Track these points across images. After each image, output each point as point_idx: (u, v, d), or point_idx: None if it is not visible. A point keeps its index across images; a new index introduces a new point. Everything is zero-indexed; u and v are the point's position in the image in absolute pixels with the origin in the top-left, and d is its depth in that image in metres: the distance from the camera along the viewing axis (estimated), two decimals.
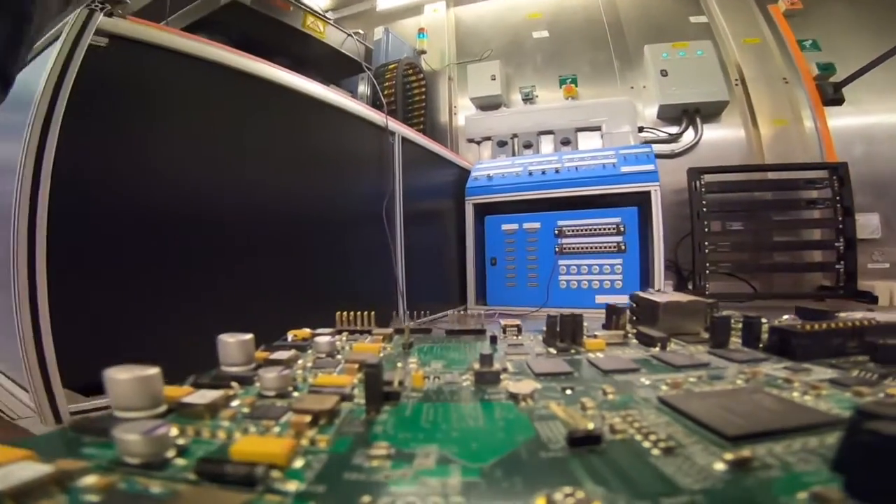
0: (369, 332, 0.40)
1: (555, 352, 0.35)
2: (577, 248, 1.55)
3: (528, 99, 2.22)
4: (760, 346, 0.34)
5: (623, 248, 1.50)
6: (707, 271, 1.61)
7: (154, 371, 0.22)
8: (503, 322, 0.41)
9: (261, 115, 0.95)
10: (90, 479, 0.15)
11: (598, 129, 1.95)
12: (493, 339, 0.39)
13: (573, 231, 1.56)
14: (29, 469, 0.14)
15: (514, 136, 2.09)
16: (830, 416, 0.19)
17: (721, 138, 1.93)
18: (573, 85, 2.14)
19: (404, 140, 1.37)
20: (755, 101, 1.87)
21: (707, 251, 1.61)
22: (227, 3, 1.17)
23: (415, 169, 1.42)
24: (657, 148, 1.73)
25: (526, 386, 0.25)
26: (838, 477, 0.14)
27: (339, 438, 0.19)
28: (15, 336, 0.60)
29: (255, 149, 0.94)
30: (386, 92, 1.98)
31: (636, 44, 2.08)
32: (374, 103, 1.59)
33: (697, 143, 1.92)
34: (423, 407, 0.23)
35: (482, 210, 1.73)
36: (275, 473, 0.16)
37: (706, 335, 0.39)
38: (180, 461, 0.17)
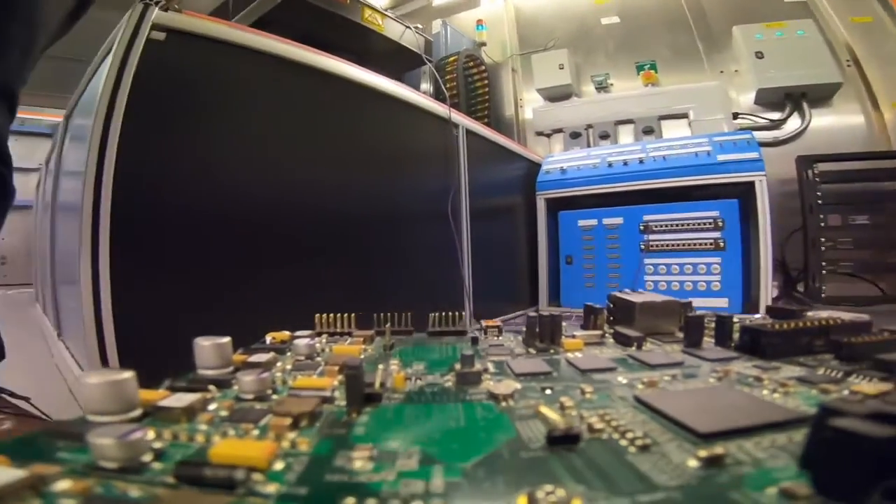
0: (349, 334, 0.40)
1: (534, 352, 0.35)
2: (667, 246, 1.40)
3: (602, 87, 2.09)
4: (732, 344, 0.35)
5: (722, 245, 1.34)
6: (823, 271, 1.42)
7: (128, 375, 0.21)
8: (484, 323, 0.42)
9: (321, 109, 0.93)
10: (66, 484, 0.15)
11: (684, 116, 1.81)
12: (475, 340, 0.39)
13: (662, 226, 1.41)
14: (2, 474, 0.14)
15: (589, 126, 1.96)
16: (798, 413, 0.20)
17: (834, 124, 1.74)
18: (652, 71, 1.99)
19: (469, 133, 1.30)
20: (874, 83, 1.70)
21: (823, 248, 1.41)
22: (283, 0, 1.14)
23: (481, 163, 1.35)
24: (757, 136, 1.53)
25: (506, 386, 0.25)
26: (806, 472, 0.14)
27: (321, 440, 0.19)
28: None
29: (315, 143, 0.91)
30: (448, 85, 1.90)
31: (721, 25, 1.93)
32: (437, 97, 1.52)
33: (805, 129, 1.74)
34: (405, 408, 0.23)
35: (555, 205, 1.60)
36: (255, 476, 0.16)
37: (681, 334, 0.40)
38: (157, 465, 0.17)
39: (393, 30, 1.42)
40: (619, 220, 1.47)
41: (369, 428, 0.20)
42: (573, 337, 0.38)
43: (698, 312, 0.43)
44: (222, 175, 0.78)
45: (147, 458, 0.17)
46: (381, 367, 0.29)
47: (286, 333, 0.38)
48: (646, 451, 0.17)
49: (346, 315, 0.41)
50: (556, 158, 1.70)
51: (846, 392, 0.24)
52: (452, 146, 1.24)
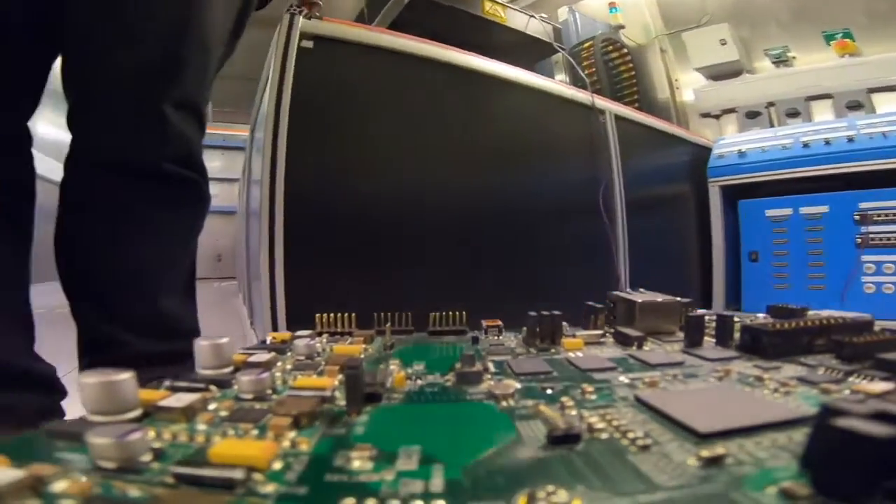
0: (350, 334, 0.40)
1: (535, 351, 0.35)
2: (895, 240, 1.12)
3: (782, 61, 1.86)
4: (733, 344, 0.35)
5: None
6: None
7: (127, 375, 0.21)
8: (485, 322, 0.42)
9: (458, 104, 0.94)
10: (65, 484, 0.15)
11: None
12: (475, 339, 0.39)
13: (887, 216, 1.15)
14: (1, 474, 0.14)
15: (770, 104, 1.76)
16: (799, 412, 0.20)
17: None
18: (848, 40, 1.72)
19: (618, 119, 1.20)
20: None
21: None
22: (410, 1, 1.14)
23: (635, 150, 1.24)
24: None
25: (507, 386, 0.25)
26: (806, 472, 0.14)
27: (321, 440, 0.19)
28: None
29: (453, 139, 0.92)
30: (586, 72, 1.75)
31: None
32: (575, 85, 1.40)
33: None
34: (405, 408, 0.23)
35: (733, 193, 1.39)
36: (255, 476, 0.16)
37: (681, 334, 0.40)
38: (157, 465, 0.17)
39: (516, 20, 1.34)
40: (822, 209, 1.23)
41: (369, 427, 0.20)
42: (573, 336, 0.38)
43: (699, 312, 0.43)
44: (376, 173, 0.82)
45: (146, 458, 0.17)
46: (381, 366, 0.29)
47: (287, 333, 0.38)
48: (646, 451, 0.17)
49: (346, 315, 0.41)
50: (731, 141, 1.49)
51: (847, 392, 0.24)
52: (599, 134, 1.15)
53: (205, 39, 0.65)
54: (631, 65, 1.92)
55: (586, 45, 1.86)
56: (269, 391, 0.25)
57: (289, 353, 0.34)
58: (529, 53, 1.46)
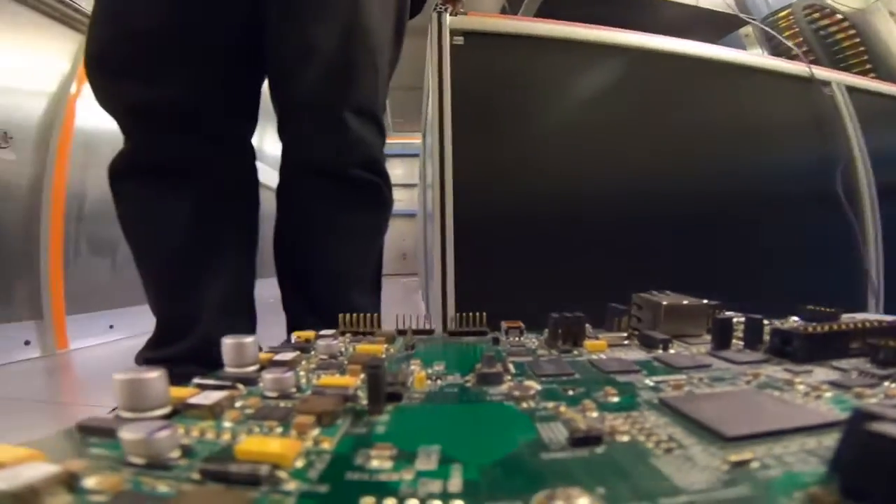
0: (372, 334, 0.41)
1: (557, 353, 0.35)
2: None
3: None
4: (762, 347, 0.35)
5: None
6: None
7: (156, 373, 0.22)
8: (505, 324, 0.42)
9: (632, 88, 0.89)
10: (96, 480, 0.15)
11: None
12: (496, 341, 0.39)
13: None
14: (36, 469, 0.15)
15: None
16: (830, 417, 0.19)
17: None
18: None
19: (851, 90, 1.03)
20: None
21: None
22: None
23: (880, 126, 1.05)
24: None
25: (527, 387, 0.25)
26: (836, 477, 0.14)
27: (342, 439, 0.19)
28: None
29: (630, 127, 0.87)
30: (792, 42, 1.56)
31: None
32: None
33: None
34: (426, 407, 0.23)
35: None
36: (279, 473, 0.16)
37: (708, 337, 0.39)
38: (185, 461, 0.17)
39: None
40: None
41: (390, 427, 0.21)
42: (596, 338, 0.38)
43: (726, 314, 0.42)
44: (545, 166, 0.82)
45: (175, 454, 0.18)
46: (402, 366, 0.30)
47: (311, 332, 0.39)
48: (670, 454, 0.17)
49: (369, 315, 0.41)
50: None
51: (882, 396, 0.23)
52: (825, 109, 1.00)
53: (370, 46, 0.71)
54: (852, 31, 1.68)
55: (782, 14, 1.66)
56: (294, 389, 0.25)
57: (313, 353, 0.34)
58: (707, 31, 1.30)
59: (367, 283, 0.80)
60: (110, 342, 1.48)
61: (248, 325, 0.77)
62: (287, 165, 0.77)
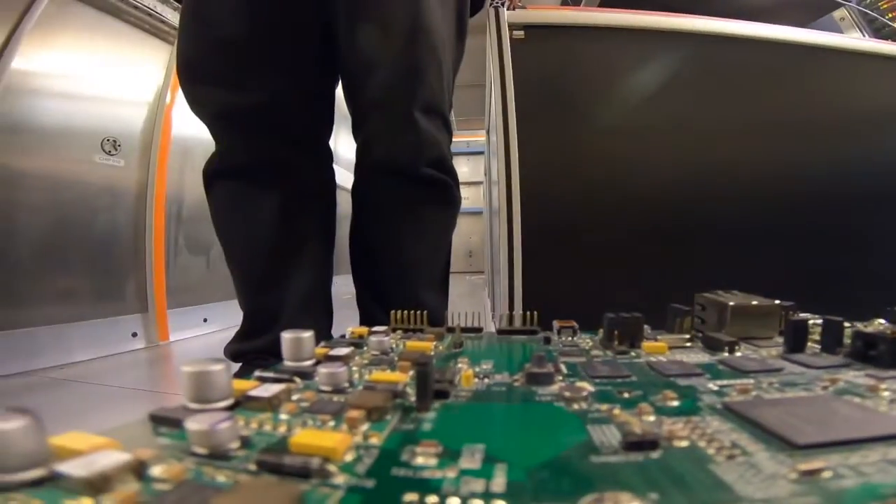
0: (421, 331, 0.41)
1: (612, 354, 0.34)
2: None
3: None
4: (842, 352, 0.32)
5: None
6: None
7: (221, 366, 0.23)
8: (556, 323, 0.41)
9: (703, 77, 0.85)
10: (162, 468, 0.16)
11: None
12: (547, 340, 0.38)
13: None
14: (109, 457, 0.16)
15: None
16: None
17: None
18: None
19: None
20: None
21: None
22: None
23: None
24: None
25: (579, 388, 0.24)
26: None
27: (390, 434, 0.19)
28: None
29: (706, 117, 0.84)
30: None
31: None
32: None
33: None
34: (472, 406, 0.23)
35: None
36: (329, 467, 0.16)
37: (780, 340, 0.37)
38: (243, 452, 0.18)
39: None
40: None
41: (436, 424, 0.21)
42: (656, 340, 0.36)
43: (802, 316, 0.39)
44: (614, 160, 0.80)
45: (235, 445, 0.19)
46: (450, 364, 0.30)
47: (364, 328, 0.40)
48: (732, 461, 0.16)
49: (418, 312, 0.41)
50: None
51: None
52: None
53: (433, 44, 0.72)
54: None
55: None
56: (347, 384, 0.26)
57: (365, 348, 0.35)
58: (795, 14, 1.22)
59: (437, 281, 0.82)
60: (205, 335, 1.60)
61: (326, 320, 0.81)
62: (361, 166, 0.79)
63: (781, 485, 0.14)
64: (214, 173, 0.75)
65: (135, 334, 1.38)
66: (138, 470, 0.16)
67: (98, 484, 0.15)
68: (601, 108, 0.80)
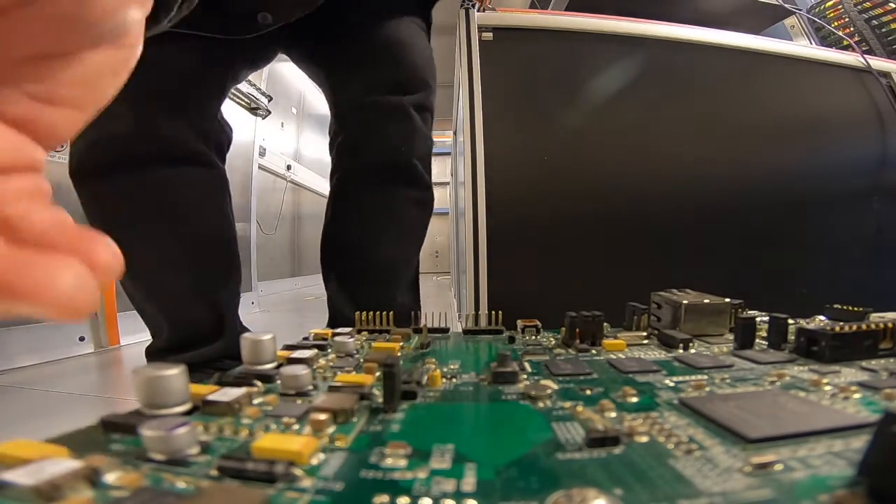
0: (388, 332, 0.41)
1: (574, 352, 0.35)
2: None
3: None
4: (787, 347, 0.34)
5: None
6: None
7: (178, 370, 0.22)
8: (520, 322, 0.41)
9: (663, 81, 0.87)
10: (117, 475, 0.15)
11: None
12: (512, 339, 0.39)
13: None
14: (59, 465, 0.15)
15: None
16: (858, 419, 0.19)
17: None
18: None
19: None
20: None
21: None
22: None
23: None
24: None
25: (544, 386, 0.25)
26: (863, 480, 0.13)
27: (358, 437, 0.19)
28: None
29: (666, 120, 0.86)
30: (842, 31, 1.51)
31: None
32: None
33: None
34: (440, 406, 0.23)
35: None
36: (295, 471, 0.16)
37: (731, 336, 0.39)
38: (203, 458, 0.18)
39: None
40: None
41: (404, 425, 0.21)
42: (615, 338, 0.37)
43: (750, 313, 0.41)
44: (577, 164, 0.81)
45: (194, 451, 0.18)
46: (417, 364, 0.30)
47: (328, 330, 0.39)
48: (690, 456, 0.17)
49: (384, 313, 0.41)
50: None
51: None
52: (883, 102, 0.97)
53: (421, 48, 0.75)
54: None
55: (830, 3, 1.62)
56: (311, 387, 0.26)
57: (329, 350, 0.35)
58: (749, 22, 1.26)
59: (411, 282, 0.83)
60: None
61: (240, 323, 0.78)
62: (344, 164, 0.78)
63: (737, 478, 0.15)
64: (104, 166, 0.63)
65: (82, 338, 1.31)
66: (91, 477, 0.15)
67: (48, 492, 0.14)
68: (566, 110, 0.82)
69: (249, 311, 2.16)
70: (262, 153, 2.54)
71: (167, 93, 0.63)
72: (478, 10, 0.80)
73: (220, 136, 0.73)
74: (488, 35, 0.80)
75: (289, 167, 2.96)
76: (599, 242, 0.81)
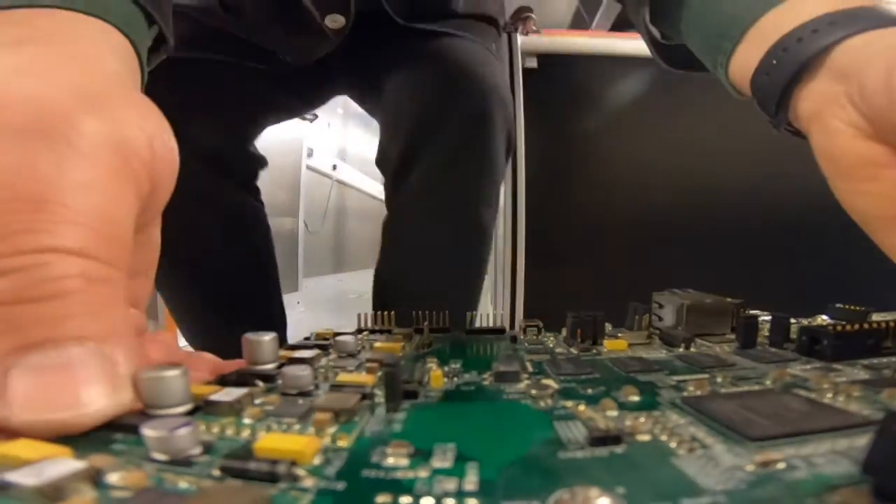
0: (389, 332, 0.41)
1: (576, 352, 0.35)
2: None
3: None
4: (789, 346, 0.34)
5: None
6: None
7: (178, 371, 0.22)
8: (522, 322, 0.41)
9: (722, 104, 0.88)
10: (120, 476, 0.15)
11: None
12: (514, 339, 0.39)
13: None
14: (62, 465, 0.15)
15: None
16: (861, 417, 0.19)
17: None
18: None
19: None
20: None
21: None
22: None
23: None
24: None
25: (545, 385, 0.25)
26: (867, 479, 0.13)
27: (359, 436, 0.19)
28: None
29: (716, 141, 0.87)
30: None
31: None
32: None
33: None
34: (442, 406, 0.23)
35: None
36: (297, 470, 0.16)
37: (733, 335, 0.39)
38: (205, 458, 0.18)
39: None
40: None
41: (406, 425, 0.21)
42: (616, 337, 0.37)
43: (752, 313, 0.41)
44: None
45: (196, 451, 0.18)
46: (419, 364, 0.30)
47: (330, 330, 0.39)
48: (693, 454, 0.17)
49: (386, 313, 0.41)
50: None
51: None
52: None
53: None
54: None
55: None
56: (312, 387, 0.26)
57: (331, 350, 0.35)
58: None
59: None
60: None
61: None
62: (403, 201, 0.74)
63: (740, 476, 0.15)
64: None
65: None
66: (94, 477, 0.15)
67: (51, 493, 0.14)
68: (616, 136, 0.82)
69: (295, 310, 2.13)
70: (311, 154, 2.56)
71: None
72: (521, 34, 0.76)
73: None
74: (532, 62, 0.76)
75: (334, 167, 2.98)
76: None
